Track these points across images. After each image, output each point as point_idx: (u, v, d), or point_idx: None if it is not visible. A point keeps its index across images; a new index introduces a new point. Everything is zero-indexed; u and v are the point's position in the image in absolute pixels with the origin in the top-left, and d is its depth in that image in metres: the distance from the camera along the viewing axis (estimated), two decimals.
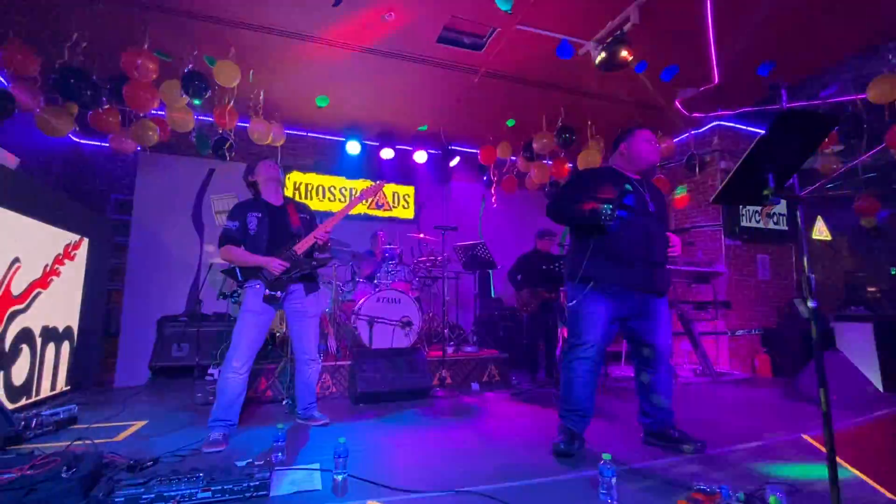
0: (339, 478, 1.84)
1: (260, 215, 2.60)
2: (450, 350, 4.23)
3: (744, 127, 5.72)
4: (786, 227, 5.87)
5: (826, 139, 4.15)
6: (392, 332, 3.99)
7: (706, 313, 5.22)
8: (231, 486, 1.66)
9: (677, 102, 5.11)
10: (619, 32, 3.61)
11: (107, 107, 3.98)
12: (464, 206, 6.38)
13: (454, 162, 6.05)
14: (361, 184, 6.04)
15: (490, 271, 6.06)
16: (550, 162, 5.68)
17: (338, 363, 3.72)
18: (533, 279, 4.30)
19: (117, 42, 3.59)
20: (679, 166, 5.89)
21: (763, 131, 1.39)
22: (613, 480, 1.62)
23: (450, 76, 4.58)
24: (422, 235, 4.66)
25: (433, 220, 6.21)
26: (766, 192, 1.43)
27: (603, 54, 3.56)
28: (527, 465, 2.06)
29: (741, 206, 5.66)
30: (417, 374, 3.48)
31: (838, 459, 1.43)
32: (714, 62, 4.13)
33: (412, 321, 4.08)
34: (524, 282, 4.35)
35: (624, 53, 3.46)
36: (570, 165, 5.72)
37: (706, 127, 5.75)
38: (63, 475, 1.63)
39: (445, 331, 4.25)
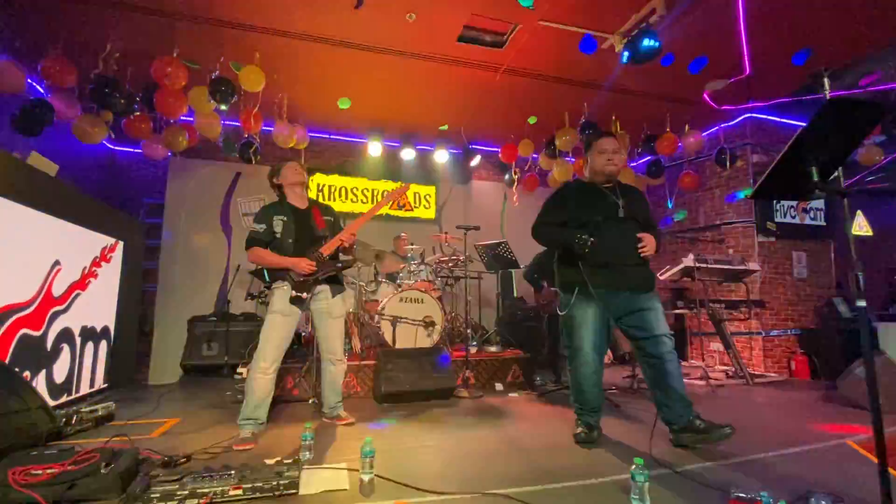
0: (366, 478, 1.85)
1: (285, 219, 2.63)
2: (473, 350, 4.21)
3: (777, 118, 5.49)
4: (823, 223, 5.61)
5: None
6: (415, 332, 4.00)
7: (739, 313, 5.03)
8: (261, 485, 1.69)
9: (706, 95, 4.95)
10: (644, 24, 3.52)
11: (139, 114, 4.12)
12: (485, 206, 6.34)
13: (475, 161, 6.03)
14: (383, 185, 6.08)
15: (512, 271, 6.01)
16: (573, 159, 5.59)
17: (362, 363, 3.75)
18: (552, 278, 4.22)
19: (148, 51, 3.72)
20: (709, 161, 5.71)
21: (800, 122, 1.32)
22: (646, 486, 1.57)
23: (470, 75, 4.55)
24: (446, 235, 4.63)
25: (454, 220, 6.20)
26: (813, 186, 1.35)
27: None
28: (555, 467, 2.02)
29: (775, 201, 5.44)
30: (441, 374, 3.47)
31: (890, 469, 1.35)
32: (745, 52, 3.97)
33: (435, 321, 4.07)
34: (543, 281, 4.29)
35: None
36: None
37: (737, 120, 5.54)
38: (102, 471, 1.69)
39: (468, 331, 4.23)
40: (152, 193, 5.64)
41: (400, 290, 4.11)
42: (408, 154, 5.79)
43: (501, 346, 4.41)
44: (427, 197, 6.33)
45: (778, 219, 5.41)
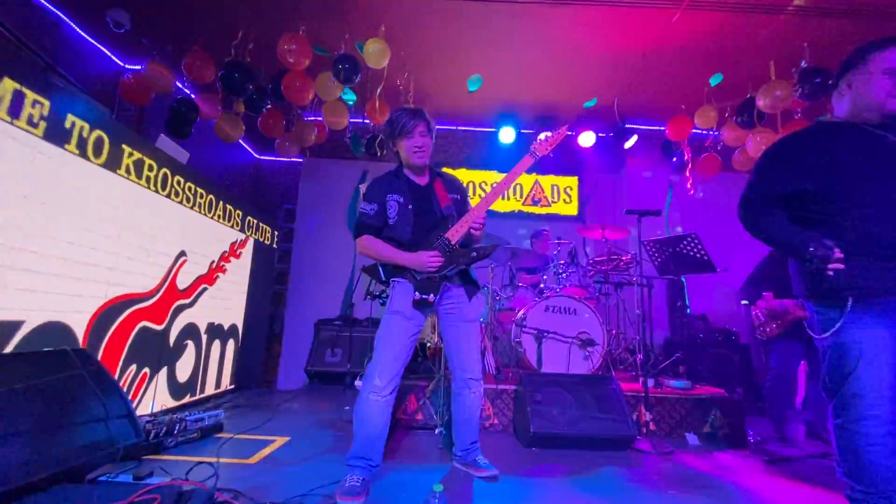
0: None
1: (402, 199, 1.97)
2: (650, 382, 3.09)
3: None
4: None
5: None
6: (568, 352, 3.06)
7: None
8: None
9: None
10: None
11: (270, 107, 4.03)
12: (643, 198, 5.09)
13: (630, 142, 4.88)
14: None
15: (684, 279, 4.67)
16: (778, 131, 4.10)
17: (499, 387, 2.94)
18: (779, 285, 2.89)
19: (276, 39, 3.53)
20: None
21: None
22: None
23: (633, 23, 3.53)
24: (603, 230, 3.63)
25: (602, 216, 5.12)
26: None
27: None
28: None
29: None
30: (614, 415, 2.46)
31: None
32: None
33: (594, 339, 3.09)
34: (767, 291, 2.96)
35: None
36: None
37: None
38: None
39: (638, 356, 3.14)
40: (290, 199, 5.74)
41: (545, 297, 3.23)
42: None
43: (690, 380, 3.17)
44: (567, 189, 5.35)
45: None
